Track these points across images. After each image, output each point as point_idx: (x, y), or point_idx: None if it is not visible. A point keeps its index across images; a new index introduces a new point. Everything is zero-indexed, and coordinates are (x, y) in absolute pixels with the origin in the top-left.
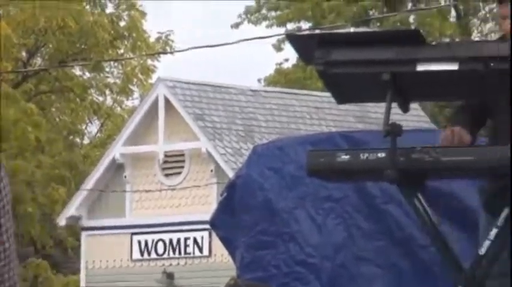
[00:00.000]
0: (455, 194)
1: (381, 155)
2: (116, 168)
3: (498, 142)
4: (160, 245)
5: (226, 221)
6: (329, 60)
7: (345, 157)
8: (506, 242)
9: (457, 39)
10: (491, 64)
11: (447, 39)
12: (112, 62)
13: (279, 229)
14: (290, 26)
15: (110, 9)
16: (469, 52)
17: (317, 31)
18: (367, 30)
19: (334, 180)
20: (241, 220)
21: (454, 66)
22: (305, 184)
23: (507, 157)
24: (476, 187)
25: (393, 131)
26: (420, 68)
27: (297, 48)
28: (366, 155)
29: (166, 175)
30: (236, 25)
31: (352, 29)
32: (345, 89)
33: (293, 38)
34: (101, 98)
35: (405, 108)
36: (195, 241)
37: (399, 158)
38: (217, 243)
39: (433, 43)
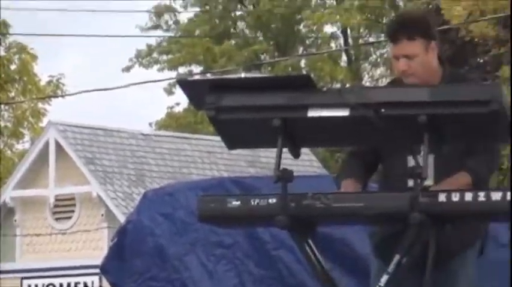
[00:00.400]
0: (346, 240)
1: (272, 201)
2: (6, 212)
3: (389, 187)
4: None
5: (116, 267)
6: (220, 106)
7: (235, 203)
8: None
9: (348, 84)
10: (382, 110)
11: (338, 84)
12: (3, 106)
13: (170, 275)
14: (181, 69)
15: (0, 52)
16: (359, 98)
17: (208, 76)
18: (258, 75)
19: (225, 226)
20: (132, 266)
21: (344, 112)
22: (196, 230)
23: (398, 202)
24: (368, 233)
25: (284, 176)
26: (311, 113)
27: (188, 93)
28: (257, 200)
29: (57, 219)
30: (127, 68)
31: (243, 74)
32: (236, 135)
33: (183, 83)
34: None
35: (296, 154)
36: (85, 285)
37: (290, 204)
38: None
39: (324, 89)
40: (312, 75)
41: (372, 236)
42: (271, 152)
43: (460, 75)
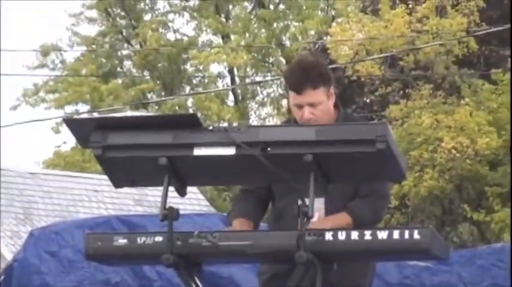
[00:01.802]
0: (234, 278)
1: (158, 239)
2: None
3: (281, 227)
4: None
5: None
6: (106, 144)
7: (122, 241)
8: None
9: (235, 123)
10: (269, 149)
11: (225, 123)
12: None
13: None
14: (68, 108)
15: None
16: (245, 137)
17: (95, 114)
18: (144, 114)
19: (111, 264)
20: None
21: (230, 151)
22: (82, 268)
23: (284, 241)
24: (256, 272)
25: (170, 215)
26: (197, 152)
27: (74, 132)
28: (144, 239)
29: None
30: (14, 107)
31: (129, 113)
32: (123, 173)
33: (70, 122)
34: None
35: (182, 193)
36: None
37: (176, 243)
38: None
39: (210, 127)
40: (199, 114)
41: (260, 274)
42: (159, 191)
43: (351, 116)
